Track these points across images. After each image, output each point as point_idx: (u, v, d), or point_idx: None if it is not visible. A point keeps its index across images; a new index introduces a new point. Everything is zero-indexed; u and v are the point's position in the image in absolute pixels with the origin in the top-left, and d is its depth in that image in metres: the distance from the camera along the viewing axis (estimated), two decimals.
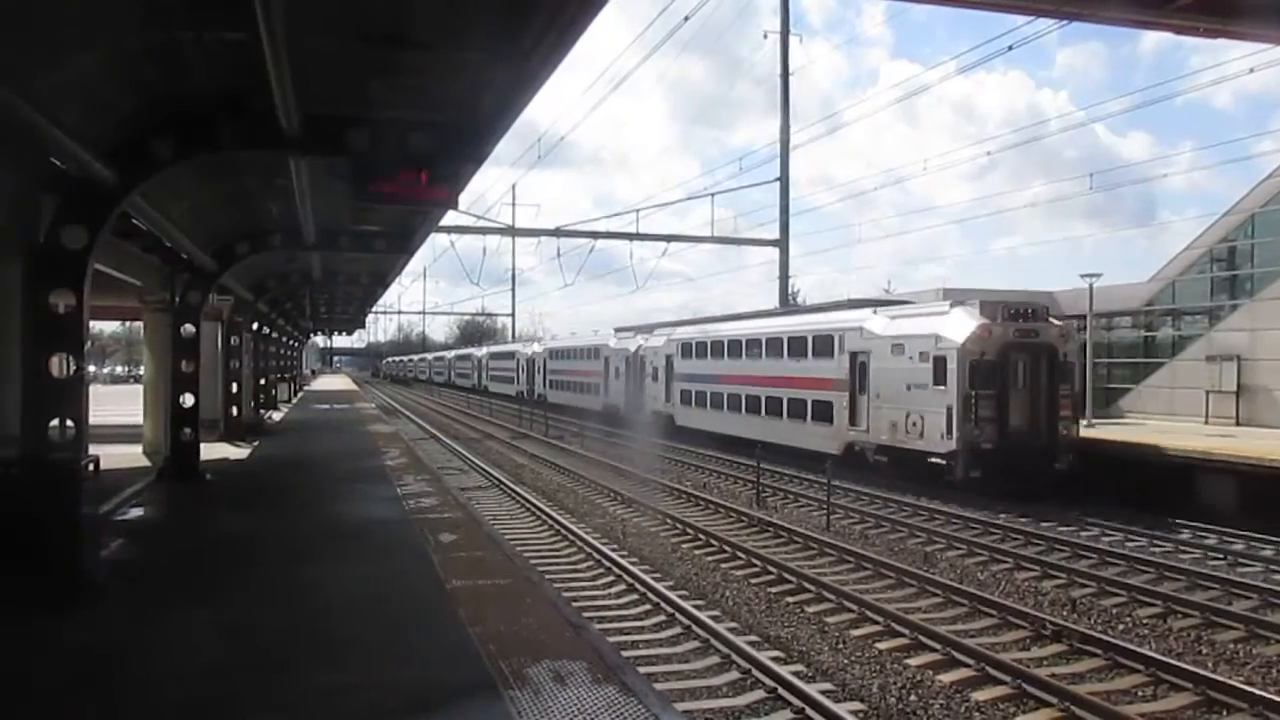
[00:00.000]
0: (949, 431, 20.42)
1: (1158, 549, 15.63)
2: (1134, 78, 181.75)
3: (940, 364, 20.82)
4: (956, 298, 23.69)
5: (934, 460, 20.86)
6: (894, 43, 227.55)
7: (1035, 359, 21.15)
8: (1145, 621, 11.46)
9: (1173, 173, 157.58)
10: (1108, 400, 30.82)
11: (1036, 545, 15.67)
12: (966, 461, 20.13)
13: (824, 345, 25.68)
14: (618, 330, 44.93)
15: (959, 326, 20.87)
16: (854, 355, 24.11)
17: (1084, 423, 24.55)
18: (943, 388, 20.68)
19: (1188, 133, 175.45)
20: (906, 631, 10.72)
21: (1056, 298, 34.86)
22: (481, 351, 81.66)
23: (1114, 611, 11.86)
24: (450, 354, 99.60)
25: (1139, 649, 10.00)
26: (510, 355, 67.66)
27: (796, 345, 27.28)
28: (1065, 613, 11.80)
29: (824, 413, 25.34)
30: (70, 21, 6.47)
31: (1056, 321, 22.12)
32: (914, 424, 21.56)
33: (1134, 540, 16.25)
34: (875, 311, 24.61)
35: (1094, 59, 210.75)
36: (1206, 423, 26.47)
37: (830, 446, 24.17)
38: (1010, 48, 34.06)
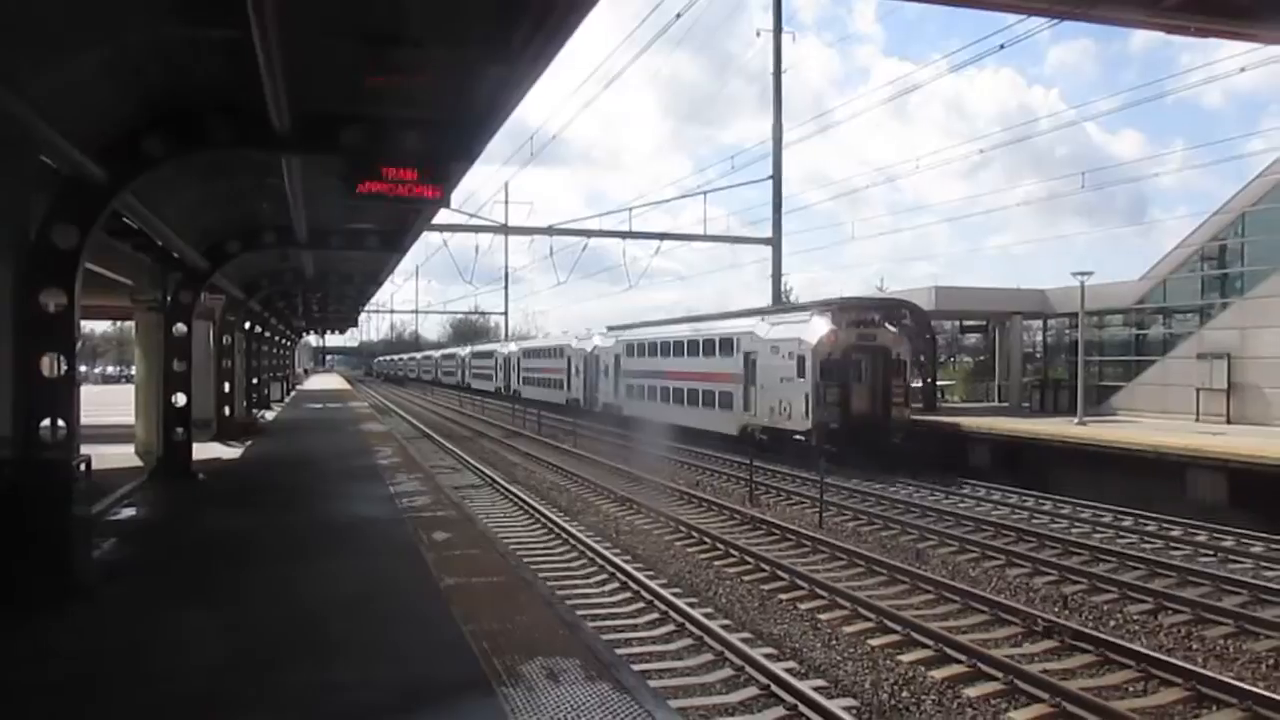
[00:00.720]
0: (807, 414, 25.51)
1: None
2: (1125, 75, 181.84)
3: (801, 361, 26.00)
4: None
5: (797, 437, 25.76)
6: (885, 40, 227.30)
7: (874, 357, 26.63)
8: (1137, 617, 11.53)
9: (1164, 172, 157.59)
10: (1099, 398, 30.94)
11: (1028, 542, 15.72)
12: (820, 438, 24.77)
13: (726, 346, 30.66)
14: (609, 328, 46.82)
15: (814, 332, 26.17)
16: (747, 354, 29.06)
17: (1075, 420, 25.67)
18: (803, 380, 25.77)
19: (1179, 131, 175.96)
20: (899, 628, 10.76)
21: (1049, 295, 35.06)
22: (465, 351, 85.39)
23: (1105, 608, 11.93)
24: (438, 353, 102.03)
25: (1130, 644, 10.06)
26: (489, 354, 71.71)
27: (708, 346, 32.27)
28: (1057, 609, 11.85)
29: (727, 401, 30.21)
30: (62, 19, 6.46)
31: (891, 328, 27.84)
32: (785, 409, 26.68)
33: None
34: (764, 319, 29.93)
35: (1085, 56, 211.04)
36: (1197, 420, 26.59)
37: (731, 429, 29.47)
38: (1002, 46, 33.89)
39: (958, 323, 43.75)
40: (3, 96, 6.54)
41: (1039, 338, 43.71)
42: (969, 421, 26.92)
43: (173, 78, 8.17)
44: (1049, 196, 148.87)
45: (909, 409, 27.26)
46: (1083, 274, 26.74)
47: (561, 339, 51.19)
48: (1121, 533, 16.86)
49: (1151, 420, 27.30)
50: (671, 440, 29.55)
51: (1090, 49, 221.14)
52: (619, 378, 40.21)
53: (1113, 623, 11.41)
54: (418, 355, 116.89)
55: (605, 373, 41.83)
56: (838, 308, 28.65)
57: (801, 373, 25.87)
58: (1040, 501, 19.96)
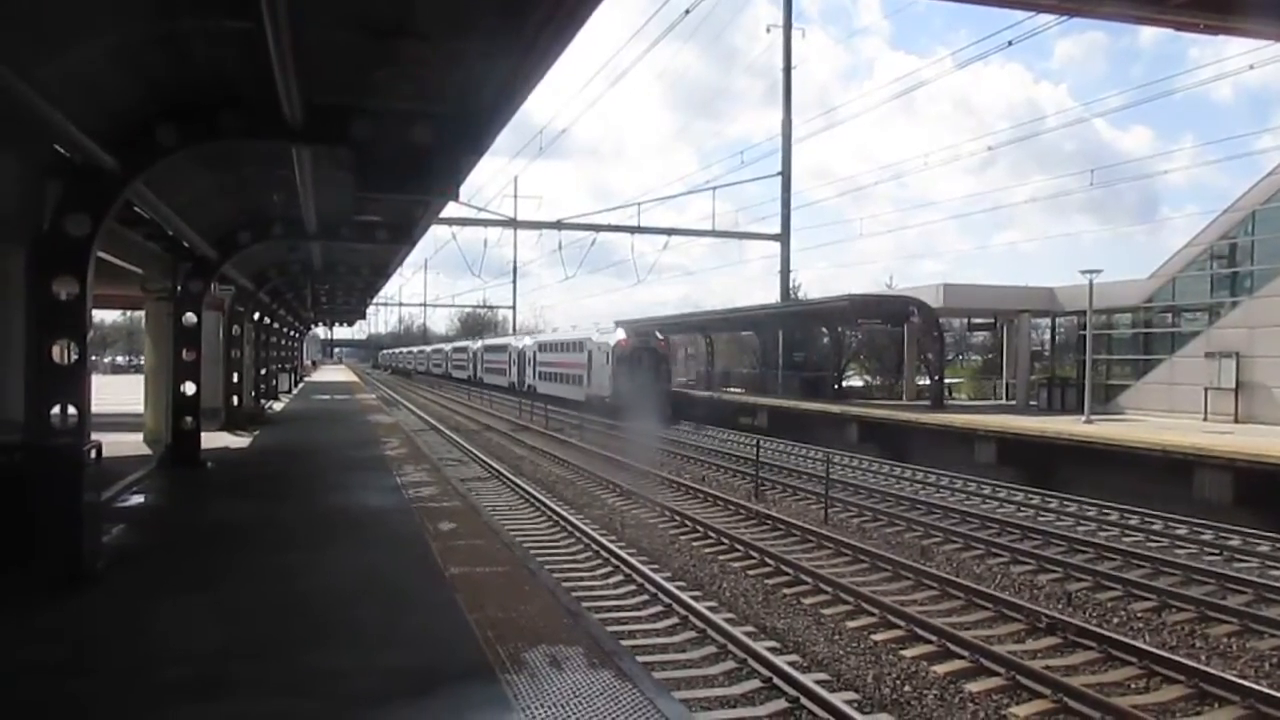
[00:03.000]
0: (610, 388, 41.55)
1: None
2: (1134, 71, 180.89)
3: (608, 356, 42.43)
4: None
5: (605, 400, 41.20)
6: (892, 33, 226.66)
7: (653, 355, 42.48)
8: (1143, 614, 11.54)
9: (1173, 169, 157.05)
10: (1107, 396, 30.93)
11: (1033, 539, 15.74)
12: (619, 402, 38.49)
13: (578, 347, 48.37)
14: (618, 323, 48.36)
15: (617, 339, 42.74)
16: (589, 352, 45.85)
17: (1082, 418, 25.31)
18: (609, 368, 42.07)
19: (1188, 126, 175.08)
20: (902, 623, 10.80)
21: (1057, 294, 34.99)
22: (477, 345, 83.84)
23: (1109, 605, 11.96)
24: (448, 346, 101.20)
25: (1133, 641, 10.09)
26: (503, 348, 70.68)
27: (572, 347, 50.18)
28: (1061, 606, 11.88)
29: (578, 380, 47.53)
30: (76, 10, 6.53)
31: (660, 337, 44.77)
32: (601, 385, 43.26)
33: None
34: (597, 333, 46.38)
35: (1094, 50, 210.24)
36: (1205, 419, 26.56)
37: (580, 397, 45.35)
38: (1010, 43, 33.96)
39: (966, 320, 43.74)
40: (15, 85, 6.60)
41: (1047, 336, 43.63)
42: (974, 419, 26.94)
43: (185, 68, 8.23)
44: (1057, 194, 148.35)
45: (671, 385, 43.93)
46: (1091, 272, 26.70)
47: (583, 332, 50.61)
48: (1127, 531, 16.86)
49: (1159, 419, 27.28)
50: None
51: (1100, 43, 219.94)
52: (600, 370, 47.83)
53: (1116, 620, 11.43)
54: (426, 348, 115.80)
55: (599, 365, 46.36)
56: (630, 328, 45.44)
57: (608, 364, 42.35)
58: (1046, 499, 19.96)
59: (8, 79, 6.46)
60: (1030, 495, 20.51)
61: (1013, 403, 36.34)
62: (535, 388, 56.10)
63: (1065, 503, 19.46)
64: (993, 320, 40.09)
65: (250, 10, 6.10)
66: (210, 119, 9.02)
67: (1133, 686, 9.20)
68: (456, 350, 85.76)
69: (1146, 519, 17.56)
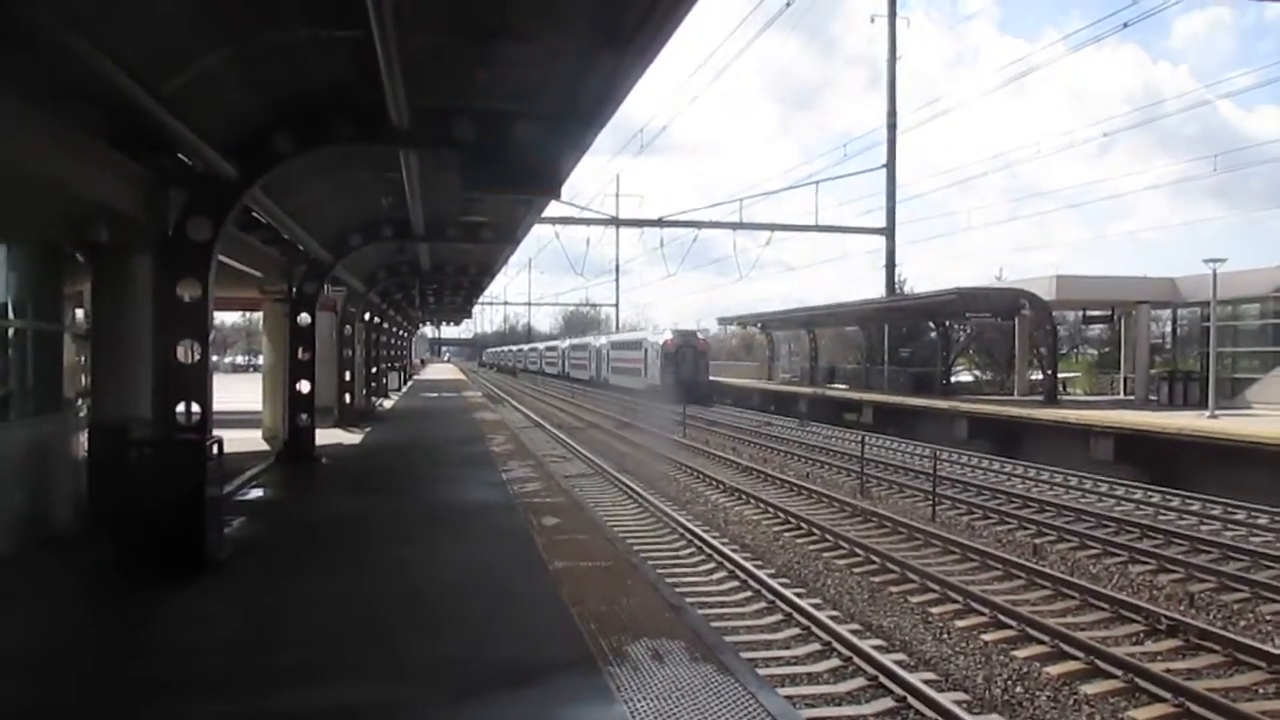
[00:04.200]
0: (660, 374, 51.68)
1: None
2: (1261, 46, 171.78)
3: (658, 353, 52.84)
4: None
5: (656, 388, 49.85)
6: (999, 17, 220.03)
7: (693, 351, 53.25)
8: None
9: None
10: (1233, 390, 29.54)
11: (1153, 539, 15.12)
12: (667, 390, 47.61)
13: (637, 345, 60.01)
14: (720, 320, 65.80)
15: (664, 339, 53.50)
16: (644, 349, 56.77)
17: (1206, 413, 24.31)
18: (659, 362, 52.49)
19: None
20: (1013, 623, 10.52)
21: (1178, 284, 33.57)
22: (565, 344, 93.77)
23: (1234, 607, 11.44)
24: (542, 345, 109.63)
25: (1261, 645, 9.63)
26: (584, 347, 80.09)
27: (632, 345, 61.77)
28: (1183, 607, 11.41)
29: (639, 372, 57.19)
30: (197, 26, 6.83)
31: (701, 337, 56.72)
32: (654, 375, 53.18)
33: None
34: (651, 334, 57.76)
35: (1217, 27, 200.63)
36: None
37: (640, 386, 54.43)
38: (1125, 25, 32.37)
39: (1081, 313, 42.31)
40: (143, 100, 6.94)
41: (1167, 328, 41.89)
42: (1090, 415, 26.04)
43: (298, 77, 8.52)
44: (1180, 179, 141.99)
45: (707, 374, 54.59)
46: (1215, 260, 25.49)
47: (640, 334, 64.69)
48: (1255, 530, 16.07)
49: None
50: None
51: (1223, 19, 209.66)
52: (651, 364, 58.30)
53: (1243, 623, 10.93)
54: (524, 347, 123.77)
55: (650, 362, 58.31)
56: (673, 330, 56.26)
57: (657, 358, 53.29)
58: (1167, 497, 19.18)
59: (137, 95, 6.80)
60: (1150, 493, 19.72)
61: (1131, 397, 35.02)
62: (608, 379, 66.38)
63: (1187, 501, 18.64)
64: (1109, 312, 38.64)
65: (359, 19, 6.28)
66: (322, 125, 9.32)
67: (1260, 692, 8.78)
68: (549, 349, 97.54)
69: (1277, 518, 16.71)
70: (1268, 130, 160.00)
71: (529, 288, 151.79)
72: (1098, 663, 9.22)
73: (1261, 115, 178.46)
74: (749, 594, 11.87)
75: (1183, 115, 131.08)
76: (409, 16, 6.57)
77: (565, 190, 11.98)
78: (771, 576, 12.47)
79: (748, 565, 12.92)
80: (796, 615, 10.74)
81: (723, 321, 72.43)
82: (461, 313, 57.18)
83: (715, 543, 14.45)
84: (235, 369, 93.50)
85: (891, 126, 43.82)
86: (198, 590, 8.21)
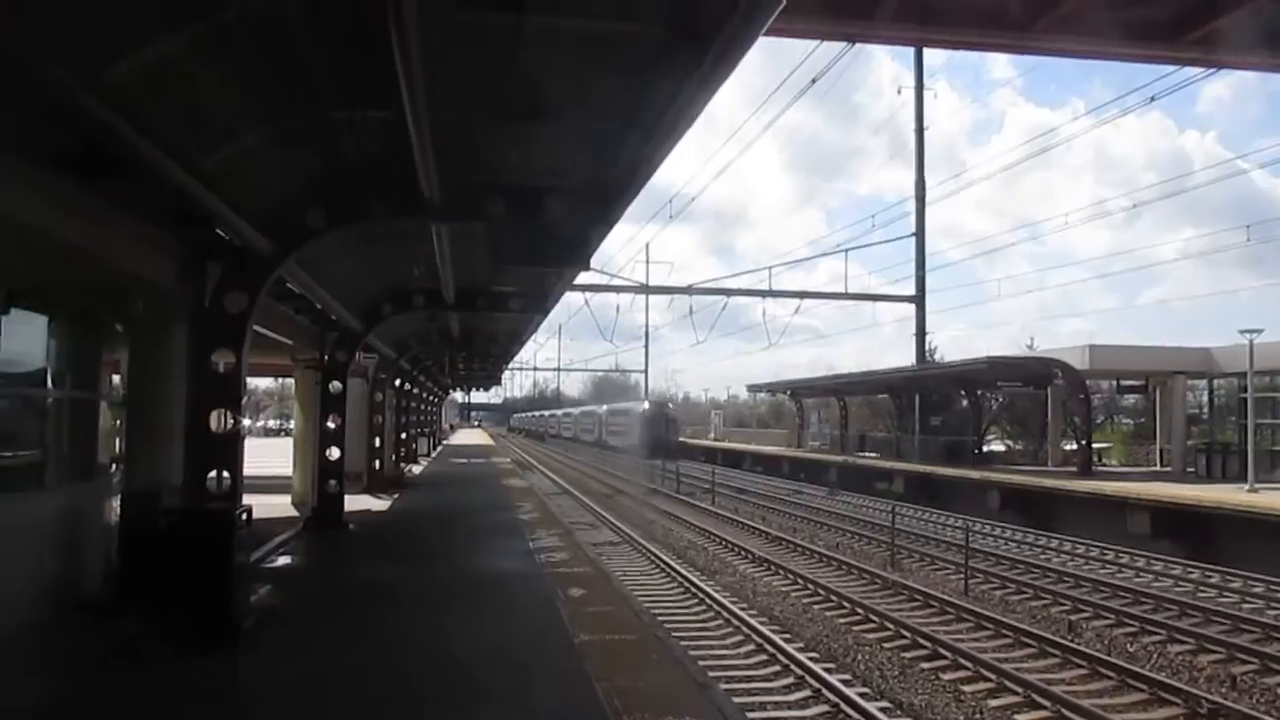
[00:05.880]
0: (636, 436, 63.01)
1: None
2: None
3: (638, 418, 67.28)
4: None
5: (638, 447, 58.06)
6: (1022, 84, 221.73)
7: (665, 418, 67.26)
8: None
9: None
10: (1273, 463, 28.95)
11: (1192, 617, 14.76)
12: (645, 448, 56.21)
13: (625, 413, 74.27)
14: (750, 388, 72.91)
15: (644, 406, 69.94)
16: (633, 416, 69.00)
17: (1245, 487, 23.85)
18: (640, 426, 64.95)
19: None
20: (1048, 704, 10.28)
21: (1214, 354, 33.20)
22: (577, 411, 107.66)
23: (1278, 690, 11.11)
24: (559, 412, 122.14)
25: None
26: (591, 414, 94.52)
27: (622, 413, 75.60)
28: (1224, 690, 11.10)
29: (632, 436, 65.46)
30: (235, 106, 7.06)
31: (672, 406, 79.80)
32: (635, 436, 63.49)
33: None
34: (637, 403, 73.36)
35: (1244, 93, 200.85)
36: None
37: (628, 446, 62.18)
38: (1153, 98, 32.46)
39: (1114, 382, 41.88)
40: (180, 177, 7.15)
41: (1204, 398, 41.33)
42: (1126, 487, 25.64)
43: (333, 155, 8.77)
44: (1211, 250, 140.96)
45: (677, 435, 67.06)
46: (1252, 331, 25.24)
47: (629, 404, 78.74)
48: None
49: None
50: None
51: (1249, 83, 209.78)
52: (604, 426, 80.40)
53: None
54: (545, 413, 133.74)
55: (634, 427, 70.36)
56: (650, 400, 74.46)
57: (639, 424, 65.50)
58: (1207, 574, 18.74)
59: (176, 174, 7.01)
60: (1189, 569, 19.27)
61: (1168, 469, 34.41)
62: (607, 441, 76.90)
63: (1228, 578, 18.20)
64: (1144, 382, 38.23)
65: (393, 101, 6.48)
66: (356, 201, 9.54)
67: None
68: (566, 415, 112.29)
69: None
70: None
71: (559, 353, 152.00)
72: None
73: None
74: (777, 669, 11.69)
75: (1212, 183, 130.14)
76: (441, 97, 6.77)
77: (595, 258, 12.15)
78: (800, 651, 12.28)
79: (776, 639, 12.74)
80: (825, 691, 10.56)
81: (752, 389, 72.39)
82: (492, 379, 57.59)
83: (744, 615, 14.26)
84: (267, 433, 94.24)
85: (920, 197, 44.07)
86: (221, 660, 8.21)
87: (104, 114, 5.87)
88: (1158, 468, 36.13)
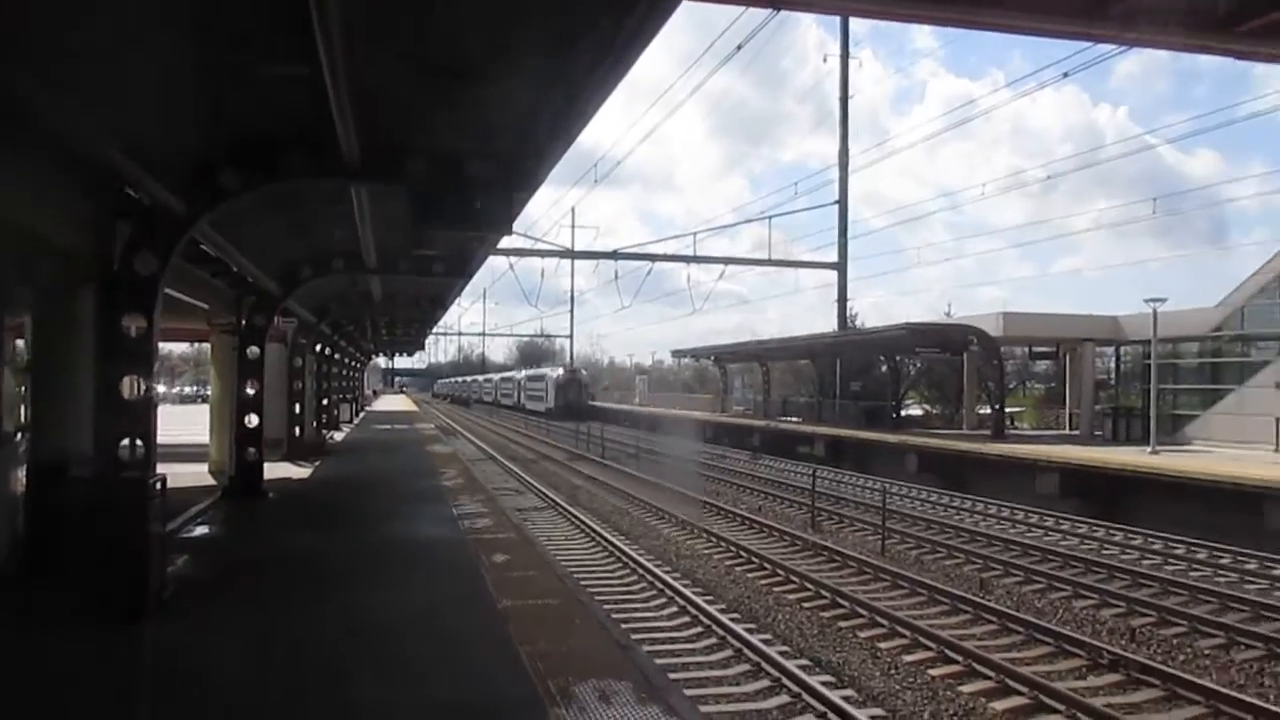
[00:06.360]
0: (552, 400, 73.43)
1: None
2: (1197, 91, 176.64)
3: (554, 383, 75.03)
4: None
5: (549, 408, 72.27)
6: (944, 55, 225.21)
7: (577, 383, 74.53)
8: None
9: (1240, 197, 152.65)
10: (1174, 427, 30.17)
11: (1096, 574, 15.37)
12: (559, 411, 67.98)
13: (540, 378, 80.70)
14: (674, 353, 73.82)
15: (559, 373, 76.47)
16: (548, 381, 76.57)
17: (1148, 449, 24.81)
18: (554, 391, 74.21)
19: (1258, 149, 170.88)
20: (960, 658, 10.63)
21: (1121, 322, 34.34)
22: (497, 377, 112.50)
23: (1174, 642, 11.66)
24: (481, 378, 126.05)
25: (1199, 680, 9.82)
26: (510, 379, 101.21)
27: (538, 378, 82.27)
28: (1124, 642, 11.60)
29: (542, 397, 76.33)
30: (144, 60, 6.79)
31: (584, 372, 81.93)
32: (551, 400, 74.00)
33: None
34: (550, 370, 79.71)
35: (1155, 69, 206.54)
36: (1277, 450, 25.77)
37: (542, 409, 73.49)
38: (1066, 74, 33.47)
39: (1027, 349, 43.04)
40: (92, 134, 6.89)
41: (1112, 364, 42.75)
42: (1036, 450, 26.47)
43: (247, 113, 8.49)
44: (1122, 221, 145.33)
45: (587, 399, 72.60)
46: (1156, 300, 26.18)
47: (543, 370, 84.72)
48: (1195, 565, 16.40)
49: (1228, 450, 26.55)
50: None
51: (1161, 60, 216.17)
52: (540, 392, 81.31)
53: (1182, 657, 11.14)
54: (467, 378, 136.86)
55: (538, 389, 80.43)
56: (563, 365, 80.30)
57: (553, 389, 73.54)
58: (1111, 532, 19.51)
59: (83, 129, 6.75)
60: (1094, 528, 20.05)
61: (1076, 433, 35.63)
62: (524, 405, 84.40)
63: (1130, 536, 18.98)
64: (1055, 349, 39.39)
65: (309, 57, 6.30)
66: (272, 161, 9.28)
67: None
68: (486, 380, 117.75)
69: (1215, 553, 17.07)
70: (1206, 172, 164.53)
71: (484, 318, 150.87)
72: (1042, 698, 9.34)
73: (1201, 158, 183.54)
74: (699, 630, 11.87)
75: (1122, 156, 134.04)
76: (361, 55, 6.61)
77: (520, 222, 12.04)
78: (722, 612, 12.48)
79: (698, 600, 12.92)
80: (746, 651, 10.76)
81: (676, 354, 72.85)
82: (415, 344, 56.90)
83: (667, 577, 14.43)
84: (183, 399, 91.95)
85: (844, 165, 44.51)
86: (137, 633, 8.04)
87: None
88: (1067, 431, 37.38)
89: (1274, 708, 9.08)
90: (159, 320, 9.23)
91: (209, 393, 26.55)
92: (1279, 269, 28.01)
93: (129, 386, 9.07)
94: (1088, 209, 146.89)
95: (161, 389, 13.35)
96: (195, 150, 9.05)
